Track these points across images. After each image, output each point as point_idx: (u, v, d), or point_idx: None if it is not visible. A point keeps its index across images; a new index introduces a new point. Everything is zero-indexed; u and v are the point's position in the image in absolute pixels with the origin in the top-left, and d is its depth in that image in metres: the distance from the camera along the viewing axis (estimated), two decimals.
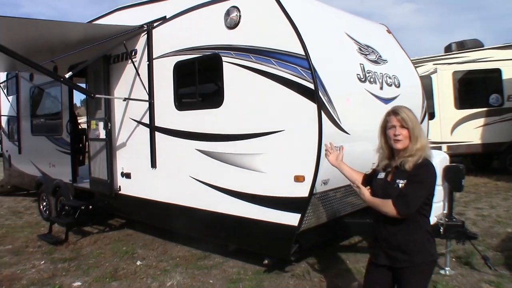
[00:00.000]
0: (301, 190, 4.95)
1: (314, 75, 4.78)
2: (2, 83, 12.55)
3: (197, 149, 6.13)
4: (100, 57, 7.47)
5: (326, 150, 3.88)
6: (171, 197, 6.71)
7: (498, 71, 13.44)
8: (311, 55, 4.84)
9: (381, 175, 3.31)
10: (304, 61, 4.85)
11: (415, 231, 3.09)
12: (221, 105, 5.79)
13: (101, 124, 7.94)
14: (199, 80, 6.37)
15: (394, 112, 3.23)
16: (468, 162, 14.88)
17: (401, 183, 3.07)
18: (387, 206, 3.04)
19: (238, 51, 5.51)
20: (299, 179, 4.95)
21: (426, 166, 3.07)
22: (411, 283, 3.12)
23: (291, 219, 5.07)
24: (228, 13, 5.66)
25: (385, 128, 3.31)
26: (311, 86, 4.79)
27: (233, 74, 5.62)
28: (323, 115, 4.80)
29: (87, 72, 8.31)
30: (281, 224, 5.17)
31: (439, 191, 5.29)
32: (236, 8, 5.58)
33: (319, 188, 5.02)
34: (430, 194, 3.13)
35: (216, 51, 5.81)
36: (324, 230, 5.73)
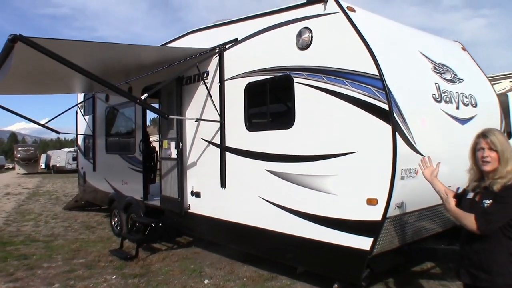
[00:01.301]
0: (374, 214, 4.82)
1: (388, 96, 4.68)
2: (80, 103, 13.25)
3: (267, 170, 6.14)
4: (174, 78, 7.70)
5: (422, 163, 3.96)
6: (240, 217, 6.74)
7: None
8: (385, 75, 4.74)
9: (470, 195, 3.38)
10: (378, 82, 4.76)
11: (498, 251, 3.11)
12: (292, 126, 5.78)
13: (173, 144, 8.16)
14: (270, 101, 6.42)
15: (483, 134, 3.31)
16: None
17: (487, 203, 3.14)
18: (469, 220, 3.13)
19: (310, 72, 5.50)
20: (372, 202, 4.82)
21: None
22: None
23: (363, 243, 4.94)
24: (300, 34, 5.68)
25: (474, 150, 3.37)
26: (386, 106, 4.69)
27: (304, 95, 5.61)
28: (398, 136, 4.68)
29: (160, 93, 8.58)
30: (353, 248, 5.04)
31: None
32: (308, 29, 5.59)
33: (392, 211, 4.86)
34: None
35: (287, 72, 5.84)
36: (396, 255, 5.53)
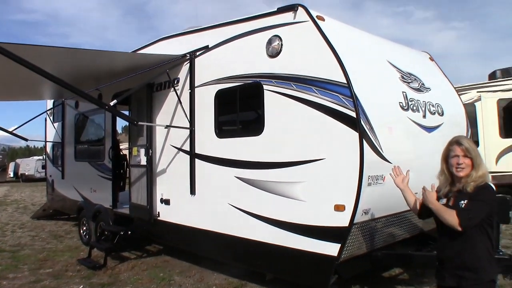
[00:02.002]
0: (342, 220, 4.86)
1: (356, 103, 4.75)
2: (49, 110, 13.02)
3: (236, 177, 6.13)
4: (144, 85, 7.65)
5: (394, 172, 4.05)
6: (210, 224, 6.70)
7: None
8: (352, 83, 4.81)
9: (443, 200, 3.48)
10: (346, 89, 4.82)
11: (479, 249, 3.24)
12: (261, 133, 5.80)
13: (142, 151, 8.09)
14: (240, 108, 6.42)
15: (457, 142, 3.43)
16: None
17: (463, 203, 3.28)
18: (450, 215, 3.20)
19: (279, 79, 5.54)
20: (339, 208, 4.86)
21: (487, 188, 3.28)
22: None
23: (330, 249, 4.97)
24: (270, 42, 5.72)
25: (447, 156, 3.50)
26: (353, 114, 4.76)
27: (274, 102, 5.64)
28: (365, 143, 4.74)
29: (130, 100, 8.51)
30: (320, 254, 5.07)
31: None
32: (278, 37, 5.64)
33: (360, 217, 4.91)
34: (491, 213, 3.27)
35: (257, 79, 5.87)
36: (364, 260, 5.57)
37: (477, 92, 13.56)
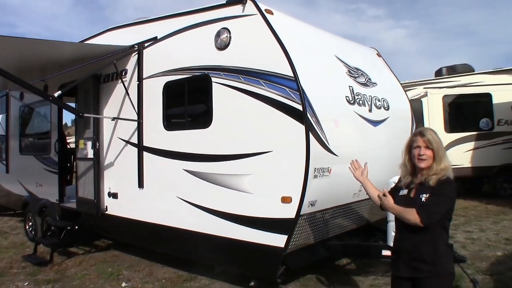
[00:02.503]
0: (288, 211, 4.91)
1: (302, 97, 4.80)
2: None
3: (184, 170, 6.09)
4: (90, 76, 7.47)
5: (352, 165, 4.04)
6: (158, 218, 6.63)
7: (488, 96, 13.56)
8: (299, 77, 4.86)
9: (404, 191, 3.49)
10: (292, 83, 4.87)
11: (436, 242, 3.25)
12: (209, 125, 5.78)
13: (89, 144, 7.89)
14: (188, 101, 6.38)
15: (420, 133, 3.43)
16: (458, 185, 14.88)
17: (424, 197, 3.27)
18: (411, 214, 3.19)
19: (228, 72, 5.53)
20: (286, 200, 4.92)
21: (448, 183, 3.28)
22: None
23: (277, 240, 5.02)
24: (218, 34, 5.69)
25: (410, 147, 3.49)
26: (299, 107, 4.80)
27: (222, 95, 5.63)
28: (311, 136, 4.80)
29: (77, 91, 8.28)
30: (268, 246, 5.11)
31: None
32: (226, 29, 5.62)
33: (306, 209, 4.98)
34: (450, 208, 3.30)
35: (205, 71, 5.83)
36: (312, 251, 5.67)
37: (424, 88, 13.99)
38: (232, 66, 5.49)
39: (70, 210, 8.66)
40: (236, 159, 5.41)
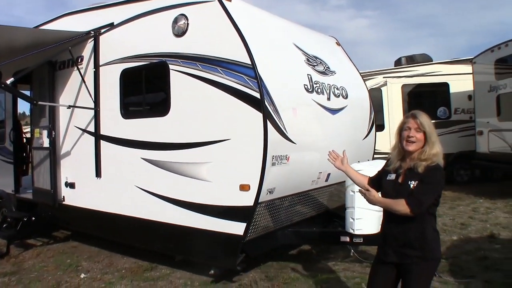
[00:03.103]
0: (247, 199, 4.92)
1: (260, 84, 4.79)
2: None
3: (142, 158, 6.01)
4: (45, 63, 7.27)
5: (330, 156, 3.87)
6: (116, 208, 6.54)
7: (446, 85, 13.84)
8: (257, 65, 4.85)
9: (392, 176, 3.38)
10: (250, 70, 4.85)
11: (424, 229, 3.19)
12: (167, 113, 5.71)
13: (45, 133, 7.69)
14: (146, 88, 6.29)
15: (413, 115, 3.31)
16: None
17: (413, 183, 3.17)
18: (400, 205, 3.10)
19: (185, 59, 5.46)
20: (244, 188, 4.92)
21: (437, 169, 3.18)
22: (421, 277, 3.23)
23: (236, 228, 5.03)
24: (176, 21, 5.61)
25: (401, 129, 3.37)
26: (257, 95, 4.80)
27: (179, 83, 5.56)
28: (269, 124, 4.81)
29: (31, 79, 8.05)
30: (227, 234, 5.12)
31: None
32: (184, 16, 5.54)
33: (264, 197, 5.00)
34: (439, 195, 3.24)
35: (163, 59, 5.74)
36: (272, 239, 5.71)
37: (383, 77, 14.18)
38: (190, 53, 5.42)
39: (26, 201, 8.45)
40: (194, 147, 5.37)
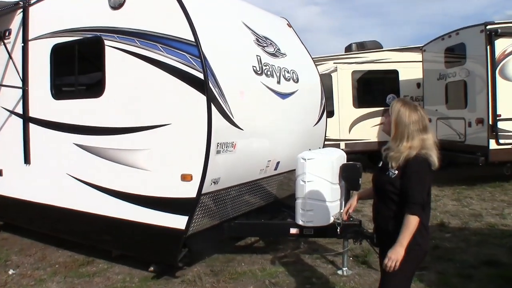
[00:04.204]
0: (189, 190, 4.51)
1: (204, 64, 4.35)
2: None
3: (75, 144, 5.47)
4: None
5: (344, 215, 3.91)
6: (47, 198, 5.99)
7: (395, 72, 13.88)
8: (201, 42, 4.40)
9: (380, 163, 3.24)
10: (193, 48, 4.40)
11: (398, 217, 2.99)
12: (102, 94, 5.19)
13: None
14: (79, 66, 5.71)
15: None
16: (365, 159, 15.27)
17: (392, 173, 3.02)
18: (412, 223, 2.89)
19: (122, 34, 4.94)
20: (186, 178, 4.50)
21: (417, 162, 2.95)
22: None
23: (178, 222, 4.61)
24: None
25: None
26: (201, 76, 4.36)
27: (116, 60, 5.05)
28: (213, 108, 4.39)
29: None
30: (167, 228, 4.70)
31: (336, 190, 5.12)
32: None
33: (208, 187, 4.60)
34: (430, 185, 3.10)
35: (98, 33, 5.20)
36: (217, 232, 5.33)
37: (334, 63, 14.04)
38: (127, 28, 4.90)
39: None
40: (131, 132, 4.89)
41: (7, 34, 6.43)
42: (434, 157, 2.96)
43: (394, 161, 2.99)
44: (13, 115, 6.40)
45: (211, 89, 4.39)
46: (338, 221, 5.10)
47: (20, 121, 6.26)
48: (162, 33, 4.61)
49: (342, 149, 11.11)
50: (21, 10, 6.22)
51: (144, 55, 4.73)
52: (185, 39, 4.46)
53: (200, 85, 4.37)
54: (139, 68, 4.80)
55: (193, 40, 4.40)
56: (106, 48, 5.09)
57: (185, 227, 4.58)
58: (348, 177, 5.22)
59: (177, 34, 4.52)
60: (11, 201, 6.57)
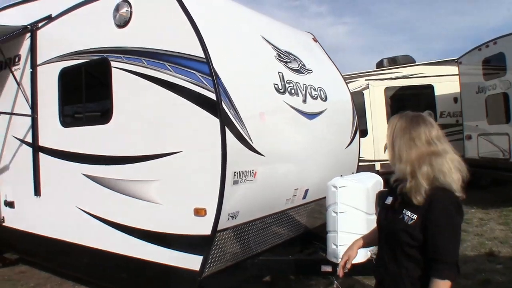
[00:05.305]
0: (203, 227, 3.95)
1: (216, 83, 3.84)
2: None
3: (84, 174, 5.03)
4: None
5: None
6: (56, 231, 5.56)
7: (430, 87, 13.23)
8: (212, 58, 3.90)
9: (389, 199, 2.45)
10: (204, 65, 3.90)
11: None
12: (109, 120, 4.75)
13: None
14: (86, 90, 5.30)
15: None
16: None
17: (409, 216, 2.23)
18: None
19: (129, 54, 4.50)
20: (199, 212, 3.95)
21: (440, 199, 2.19)
22: None
23: (191, 262, 4.06)
24: (117, 8, 4.65)
25: None
26: (213, 96, 3.85)
27: (122, 83, 4.61)
28: (228, 132, 3.86)
29: None
30: (180, 268, 4.14)
31: (373, 221, 4.49)
32: (126, 2, 4.58)
33: (225, 223, 4.04)
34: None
35: (104, 54, 4.78)
36: (237, 271, 4.74)
37: (365, 80, 13.49)
38: (133, 47, 4.46)
39: None
40: (140, 161, 4.40)
41: (16, 60, 6.13)
42: (456, 184, 2.21)
43: (415, 196, 2.21)
44: (23, 144, 6.05)
45: (224, 110, 3.87)
46: (375, 257, 4.47)
47: (29, 150, 5.90)
48: (170, 50, 4.14)
49: (377, 170, 10.39)
50: (29, 34, 5.90)
51: (151, 76, 4.26)
52: (194, 56, 3.96)
53: (212, 107, 3.85)
54: (146, 90, 4.34)
55: (203, 56, 3.90)
56: (113, 70, 4.66)
57: (200, 268, 4.02)
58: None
59: (185, 50, 4.03)
60: (23, 234, 6.18)
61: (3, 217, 6.55)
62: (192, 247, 4.07)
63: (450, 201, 2.18)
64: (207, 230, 3.94)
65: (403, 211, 2.26)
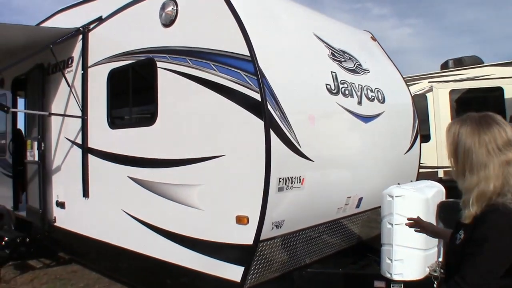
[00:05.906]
0: (244, 236, 3.71)
1: (261, 82, 3.60)
2: None
3: (129, 177, 4.93)
4: (35, 67, 6.53)
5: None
6: (103, 234, 5.52)
7: (500, 90, 12.36)
8: (258, 57, 3.66)
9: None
10: (248, 64, 3.67)
11: None
12: (154, 122, 4.62)
13: (35, 144, 6.79)
14: (133, 91, 5.22)
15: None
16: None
17: (459, 237, 1.93)
18: None
19: (174, 53, 4.35)
20: (241, 220, 3.71)
21: (487, 219, 1.80)
22: None
23: (232, 272, 3.83)
24: (163, 7, 4.52)
25: None
26: (257, 96, 3.61)
27: (167, 83, 4.46)
28: (273, 135, 3.60)
29: (26, 84, 7.29)
30: (220, 278, 3.93)
31: None
32: (172, 0, 4.43)
33: (269, 232, 3.78)
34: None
35: (150, 55, 4.67)
36: (282, 284, 4.47)
37: (429, 82, 12.82)
38: (178, 47, 4.30)
39: (23, 219, 7.60)
40: (181, 164, 4.23)
41: (69, 62, 6.19)
42: None
43: (467, 215, 1.86)
44: (74, 146, 6.08)
45: (270, 112, 3.61)
46: (435, 274, 4.07)
47: (79, 152, 5.91)
48: (214, 48, 3.94)
49: (440, 178, 9.73)
50: (81, 36, 5.92)
51: (195, 76, 4.08)
52: (238, 54, 3.74)
53: (257, 108, 3.61)
54: (190, 91, 4.17)
55: (248, 54, 3.67)
56: (158, 70, 4.53)
57: (241, 280, 3.78)
58: (448, 219, 4.17)
59: (230, 49, 3.82)
60: (72, 235, 6.22)
61: (54, 217, 6.61)
62: (233, 257, 3.84)
63: (497, 222, 1.77)
64: (249, 240, 3.70)
65: (458, 233, 1.94)
